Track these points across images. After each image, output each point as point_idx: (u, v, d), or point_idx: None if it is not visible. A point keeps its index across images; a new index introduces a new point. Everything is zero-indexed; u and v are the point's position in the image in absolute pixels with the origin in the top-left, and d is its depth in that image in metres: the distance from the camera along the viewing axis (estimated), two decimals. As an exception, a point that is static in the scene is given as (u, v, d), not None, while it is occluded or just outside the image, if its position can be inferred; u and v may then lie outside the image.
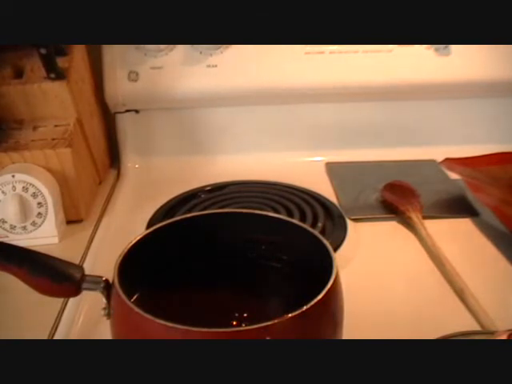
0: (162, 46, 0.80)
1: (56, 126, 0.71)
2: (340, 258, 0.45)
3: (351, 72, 0.81)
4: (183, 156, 0.86)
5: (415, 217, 0.68)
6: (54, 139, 0.69)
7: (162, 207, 0.73)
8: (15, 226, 0.66)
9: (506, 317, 0.53)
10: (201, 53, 0.80)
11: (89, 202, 0.74)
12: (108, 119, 0.86)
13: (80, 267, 0.44)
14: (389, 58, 0.81)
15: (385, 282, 0.60)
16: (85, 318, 0.55)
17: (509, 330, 0.42)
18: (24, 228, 0.66)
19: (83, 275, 0.44)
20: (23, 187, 0.65)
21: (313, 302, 0.38)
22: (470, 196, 0.74)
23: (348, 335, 0.43)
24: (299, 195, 0.74)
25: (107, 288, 0.43)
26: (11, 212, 0.65)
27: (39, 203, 0.66)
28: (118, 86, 0.81)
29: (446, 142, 0.86)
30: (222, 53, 0.80)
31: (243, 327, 0.39)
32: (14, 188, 0.65)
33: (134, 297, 0.45)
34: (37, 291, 0.43)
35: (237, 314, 0.49)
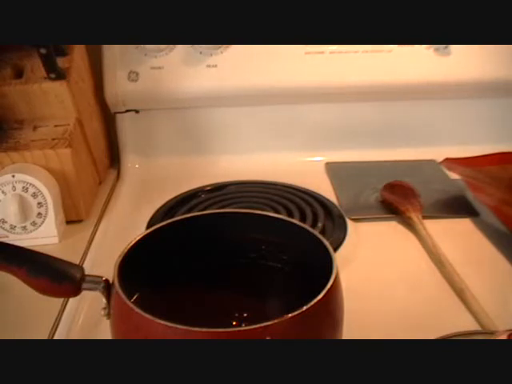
0: (162, 46, 0.80)
1: (56, 125, 0.71)
2: (340, 257, 0.45)
3: (351, 72, 0.81)
4: (183, 156, 0.86)
5: (415, 217, 0.68)
6: (54, 139, 0.69)
7: (162, 207, 0.73)
8: (15, 226, 0.66)
9: (506, 317, 0.53)
10: (201, 53, 0.80)
11: (89, 202, 0.74)
12: (108, 119, 0.86)
13: (80, 267, 0.44)
14: (389, 58, 0.81)
15: (385, 282, 0.60)
16: (85, 318, 0.55)
17: (509, 330, 0.42)
18: (24, 228, 0.66)
19: (83, 275, 0.44)
20: (23, 187, 0.65)
21: (313, 302, 0.38)
22: (470, 196, 0.74)
23: (348, 335, 0.43)
24: (299, 195, 0.74)
25: (107, 288, 0.43)
26: (11, 212, 0.65)
27: (39, 203, 0.66)
28: (118, 86, 0.81)
29: (446, 142, 0.86)
30: (221, 53, 0.80)
31: (243, 327, 0.39)
32: (14, 188, 0.65)
33: (134, 297, 0.45)
34: (37, 291, 0.43)
35: (237, 314, 0.49)
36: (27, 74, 0.72)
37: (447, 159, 0.77)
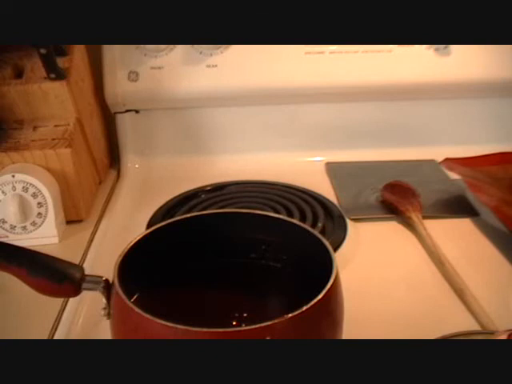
0: (162, 46, 0.80)
1: (56, 125, 0.71)
2: (340, 257, 0.45)
3: (351, 72, 0.81)
4: (183, 156, 0.86)
5: (415, 217, 0.68)
6: (54, 139, 0.69)
7: (162, 207, 0.73)
8: (15, 226, 0.66)
9: (506, 317, 0.53)
10: (201, 53, 0.80)
11: (89, 202, 0.74)
12: (108, 119, 0.86)
13: (80, 267, 0.44)
14: (389, 58, 0.81)
15: (385, 282, 0.60)
16: (85, 318, 0.55)
17: (509, 330, 0.42)
18: (24, 228, 0.66)
19: (83, 275, 0.44)
20: (23, 187, 0.65)
21: (313, 302, 0.38)
22: (470, 196, 0.74)
23: (348, 335, 0.43)
24: (299, 195, 0.74)
25: (107, 288, 0.43)
26: (11, 212, 0.65)
27: (39, 203, 0.66)
28: (118, 86, 0.81)
29: (446, 142, 0.86)
30: (221, 53, 0.80)
31: (243, 327, 0.39)
32: (14, 188, 0.65)
33: (134, 297, 0.45)
34: (37, 291, 0.43)
35: (237, 314, 0.49)
36: (27, 74, 0.72)
37: (447, 159, 0.77)
